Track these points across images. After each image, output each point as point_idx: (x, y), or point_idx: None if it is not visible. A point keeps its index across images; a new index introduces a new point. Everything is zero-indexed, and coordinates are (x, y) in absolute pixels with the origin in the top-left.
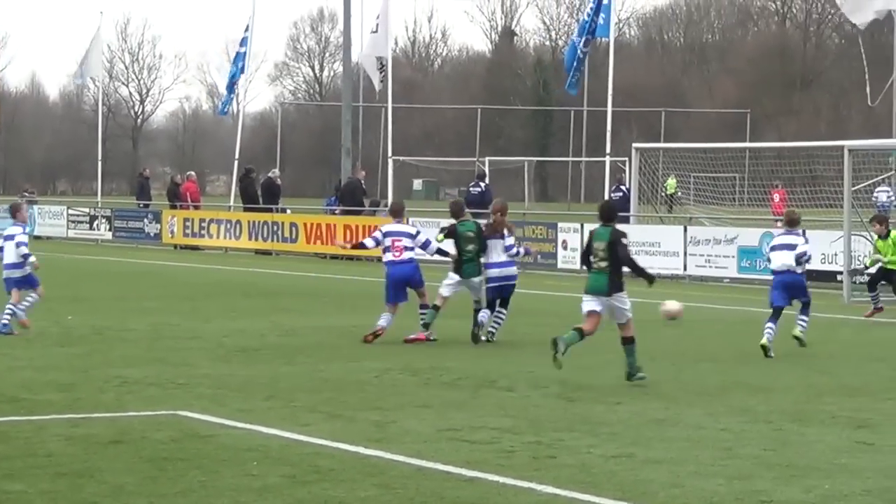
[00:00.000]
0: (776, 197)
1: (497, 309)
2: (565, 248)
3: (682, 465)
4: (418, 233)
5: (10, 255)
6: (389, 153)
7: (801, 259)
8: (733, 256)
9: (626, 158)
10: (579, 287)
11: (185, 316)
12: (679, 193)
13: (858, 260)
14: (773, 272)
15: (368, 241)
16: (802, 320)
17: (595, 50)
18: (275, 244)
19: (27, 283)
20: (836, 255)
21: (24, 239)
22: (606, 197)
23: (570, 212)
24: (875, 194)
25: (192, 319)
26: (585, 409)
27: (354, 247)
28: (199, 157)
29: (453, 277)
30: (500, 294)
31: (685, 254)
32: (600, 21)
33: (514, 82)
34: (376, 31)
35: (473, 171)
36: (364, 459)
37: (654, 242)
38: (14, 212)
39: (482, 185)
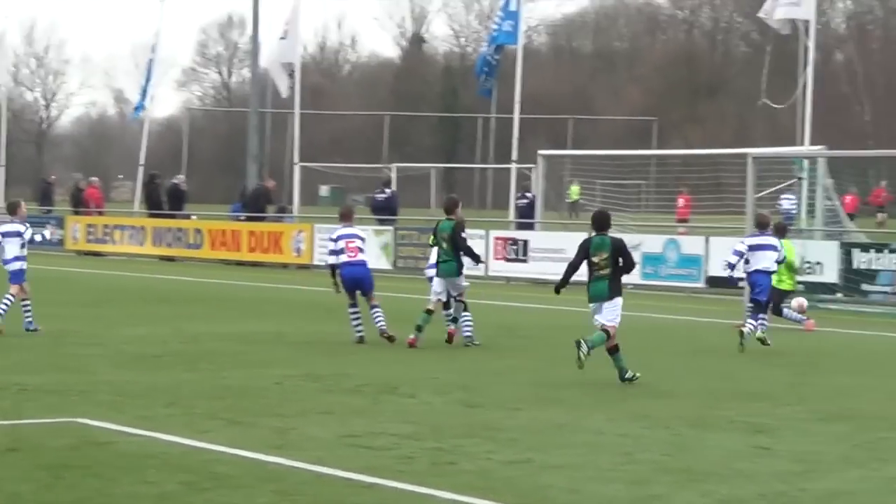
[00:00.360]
0: (681, 201)
1: (460, 315)
2: None
3: (580, 471)
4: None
5: (13, 251)
6: (296, 159)
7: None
8: (637, 263)
9: (533, 165)
10: (483, 294)
11: (86, 322)
12: (581, 200)
13: None
14: (748, 272)
15: (331, 259)
16: (764, 321)
17: (504, 57)
18: (179, 250)
19: (15, 278)
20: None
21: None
22: (512, 203)
23: (476, 218)
24: (779, 202)
25: (94, 326)
26: (486, 415)
27: (333, 274)
28: (105, 162)
29: (434, 277)
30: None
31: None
32: (507, 28)
33: (423, 89)
34: (285, 38)
35: (381, 178)
36: (263, 466)
37: (558, 249)
38: (14, 209)
39: (388, 191)
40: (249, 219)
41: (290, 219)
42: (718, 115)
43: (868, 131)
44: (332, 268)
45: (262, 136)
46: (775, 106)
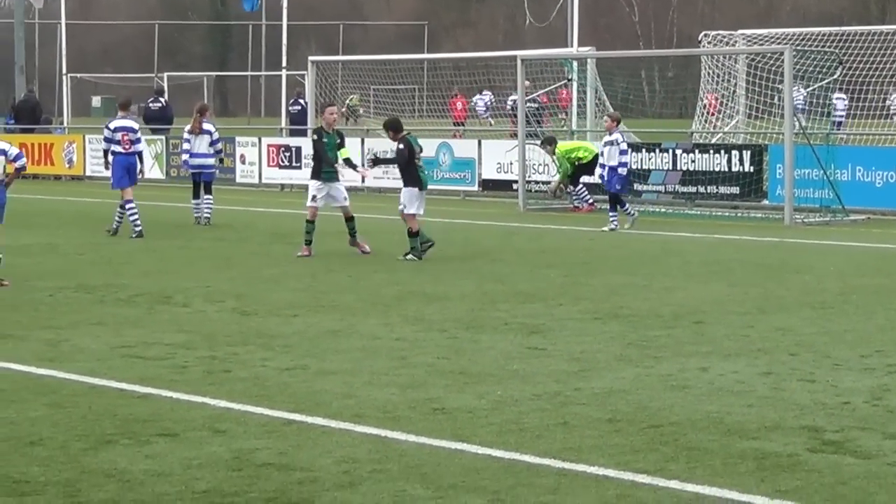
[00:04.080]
0: (459, 104)
1: (203, 195)
2: (244, 162)
3: (355, 376)
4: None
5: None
6: (65, 70)
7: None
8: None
9: (305, 72)
10: (257, 201)
11: None
12: (361, 111)
13: (533, 168)
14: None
15: (104, 145)
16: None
17: None
18: None
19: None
20: (511, 164)
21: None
22: (284, 110)
23: (249, 126)
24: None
25: None
26: (260, 322)
27: (105, 156)
28: None
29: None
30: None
31: (364, 166)
32: None
33: None
34: None
35: (153, 88)
36: (35, 379)
37: None
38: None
39: (162, 100)
40: (22, 130)
41: (62, 130)
42: (489, 19)
43: (637, 31)
44: (105, 153)
45: (30, 47)
46: (538, 25)
